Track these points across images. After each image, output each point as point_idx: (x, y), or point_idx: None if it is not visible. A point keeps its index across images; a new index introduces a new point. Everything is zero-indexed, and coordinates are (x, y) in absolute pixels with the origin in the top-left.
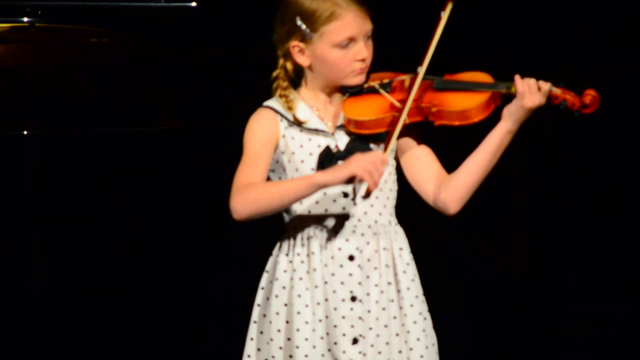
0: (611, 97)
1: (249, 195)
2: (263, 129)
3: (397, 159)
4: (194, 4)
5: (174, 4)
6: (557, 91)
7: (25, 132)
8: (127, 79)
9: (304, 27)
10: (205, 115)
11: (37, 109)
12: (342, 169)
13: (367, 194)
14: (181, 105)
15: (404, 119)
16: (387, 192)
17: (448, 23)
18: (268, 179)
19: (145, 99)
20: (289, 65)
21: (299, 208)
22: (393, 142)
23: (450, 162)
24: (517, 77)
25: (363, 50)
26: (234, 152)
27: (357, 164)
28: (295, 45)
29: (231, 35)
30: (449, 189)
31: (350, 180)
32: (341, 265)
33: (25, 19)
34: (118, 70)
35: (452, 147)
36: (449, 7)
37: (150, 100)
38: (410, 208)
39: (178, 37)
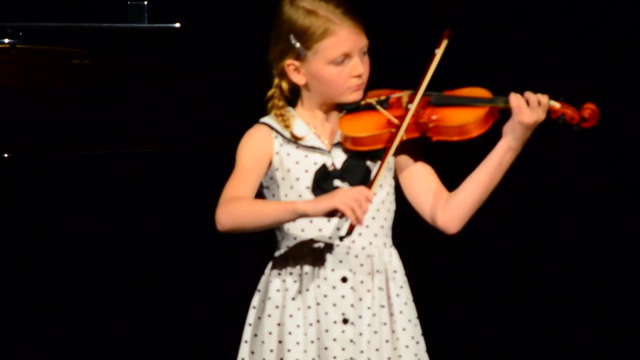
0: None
1: (233, 209)
2: (256, 145)
3: (396, 177)
4: (177, 25)
5: (158, 24)
6: (555, 105)
7: (6, 155)
8: (110, 100)
9: (298, 44)
10: (190, 136)
11: (18, 131)
12: (325, 201)
13: (350, 231)
14: (165, 127)
15: (400, 136)
16: (384, 212)
17: (443, 57)
18: (262, 196)
19: (128, 121)
20: (285, 85)
21: (292, 227)
22: (383, 170)
23: (452, 180)
24: (512, 93)
25: (359, 66)
26: (219, 173)
27: (341, 198)
28: (290, 63)
29: (215, 56)
30: (450, 208)
31: (332, 213)
32: (334, 287)
33: (7, 40)
34: (100, 91)
35: (454, 165)
36: (444, 44)
37: (134, 121)
38: (406, 230)
39: (162, 58)
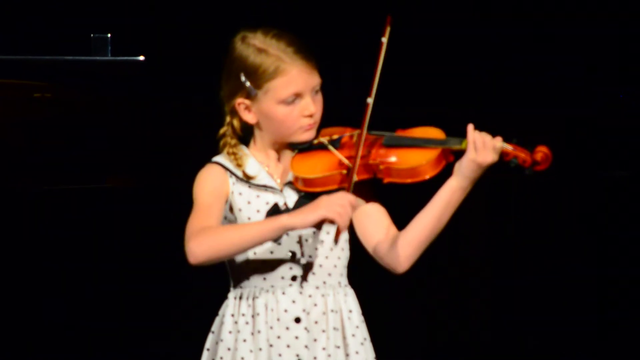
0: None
1: (208, 238)
2: (213, 182)
3: None
4: (141, 57)
5: (122, 57)
6: (508, 148)
7: None
8: (73, 134)
9: (248, 84)
10: (153, 171)
11: None
12: (311, 212)
13: (337, 238)
14: (129, 161)
15: (353, 179)
16: (338, 251)
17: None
18: None
19: (90, 155)
20: (236, 123)
21: (245, 267)
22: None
23: (403, 218)
24: (469, 131)
25: (310, 106)
26: (182, 208)
27: (327, 206)
28: (240, 102)
29: (179, 89)
30: (398, 246)
31: (319, 224)
32: (287, 328)
33: None
34: (63, 125)
35: (405, 202)
36: (388, 31)
37: (96, 156)
38: (363, 269)
39: (126, 91)
